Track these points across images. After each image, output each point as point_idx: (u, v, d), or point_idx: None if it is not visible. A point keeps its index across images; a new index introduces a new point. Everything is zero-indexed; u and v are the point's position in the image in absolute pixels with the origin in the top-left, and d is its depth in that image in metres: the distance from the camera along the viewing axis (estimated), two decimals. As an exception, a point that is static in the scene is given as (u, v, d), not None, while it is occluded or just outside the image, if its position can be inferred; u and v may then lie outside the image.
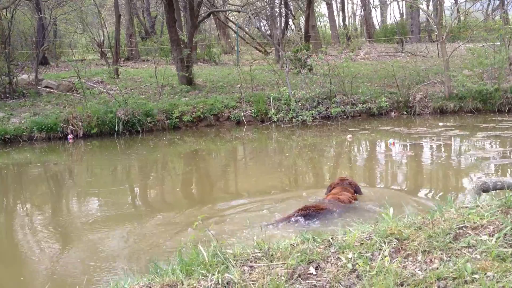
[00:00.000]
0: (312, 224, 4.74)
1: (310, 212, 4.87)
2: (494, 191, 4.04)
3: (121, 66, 19.32)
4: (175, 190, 7.13)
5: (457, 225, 2.95)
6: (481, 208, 3.19)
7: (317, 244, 3.00)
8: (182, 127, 12.49)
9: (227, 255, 2.92)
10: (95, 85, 14.95)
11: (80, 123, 11.77)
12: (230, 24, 29.89)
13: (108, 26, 27.87)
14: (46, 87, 14.82)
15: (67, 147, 11.13)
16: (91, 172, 9.18)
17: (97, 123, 11.80)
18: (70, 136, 11.50)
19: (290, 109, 12.47)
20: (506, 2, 26.76)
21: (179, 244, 3.66)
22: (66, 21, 23.44)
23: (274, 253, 2.93)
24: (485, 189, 3.87)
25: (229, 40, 28.63)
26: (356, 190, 5.72)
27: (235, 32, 25.46)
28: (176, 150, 10.67)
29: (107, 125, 11.81)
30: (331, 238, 3.07)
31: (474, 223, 2.95)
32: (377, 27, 37.42)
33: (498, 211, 3.08)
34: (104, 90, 14.19)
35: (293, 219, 4.86)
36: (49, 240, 5.15)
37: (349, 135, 10.55)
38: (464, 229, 2.92)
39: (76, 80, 13.64)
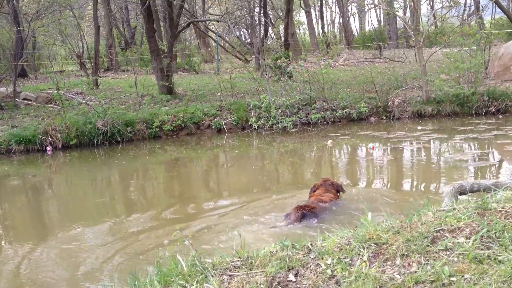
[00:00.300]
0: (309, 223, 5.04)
1: (305, 212, 5.13)
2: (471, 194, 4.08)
3: (101, 77, 19.21)
4: (155, 199, 7.08)
5: (434, 228, 2.96)
6: (458, 210, 3.21)
7: (297, 251, 3.00)
8: (162, 136, 12.42)
9: (206, 264, 2.89)
10: (74, 96, 14.80)
11: (59, 135, 11.63)
12: (210, 33, 29.93)
13: (87, 37, 27.67)
14: (24, 99, 14.63)
15: (46, 159, 10.98)
16: (70, 183, 9.07)
17: (76, 134, 11.66)
18: (48, 148, 11.35)
19: (270, 116, 12.49)
20: (481, 8, 27.26)
21: (158, 255, 3.62)
22: (45, 33, 23.23)
23: (253, 261, 2.91)
24: (462, 191, 3.91)
25: (209, 49, 28.64)
26: (339, 190, 5.94)
27: (215, 41, 25.48)
28: (157, 159, 10.61)
29: (87, 136, 11.69)
30: (310, 244, 3.07)
31: (451, 226, 2.97)
32: (356, 34, 37.80)
33: (474, 213, 3.11)
34: (84, 101, 14.06)
35: (288, 219, 5.15)
36: (26, 252, 5.05)
37: (330, 141, 10.60)
38: (442, 232, 2.94)
39: (55, 91, 13.50)
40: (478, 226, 2.90)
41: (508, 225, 2.86)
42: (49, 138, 11.53)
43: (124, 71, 23.17)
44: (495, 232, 2.80)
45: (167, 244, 4.51)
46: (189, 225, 5.49)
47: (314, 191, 5.90)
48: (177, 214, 6.15)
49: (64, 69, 24.32)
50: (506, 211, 3.07)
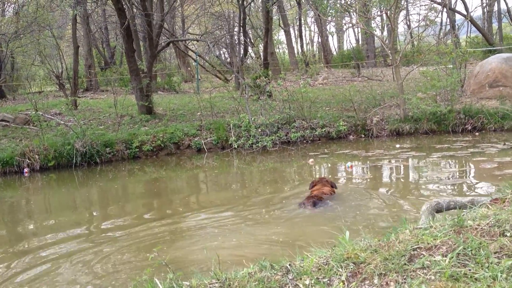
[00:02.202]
0: (318, 208, 6.46)
1: (316, 200, 6.57)
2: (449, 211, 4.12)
3: (80, 97, 19.09)
4: (132, 221, 6.97)
5: (411, 247, 2.98)
6: (435, 228, 3.24)
7: (275, 272, 2.98)
8: (142, 157, 12.34)
9: (183, 287, 2.86)
10: (52, 117, 14.66)
11: (36, 156, 11.48)
12: (190, 52, 30.03)
13: (66, 57, 27.54)
14: (2, 120, 14.42)
15: (23, 181, 10.81)
16: (47, 206, 8.92)
17: (54, 155, 11.53)
18: (26, 169, 11.19)
19: (250, 136, 12.51)
20: (456, 27, 27.86)
21: (134, 278, 3.57)
22: (24, 53, 23.04)
23: (231, 283, 2.88)
24: (438, 209, 3.95)
25: (189, 68, 28.71)
26: (333, 185, 7.23)
27: (195, 61, 25.57)
28: (136, 180, 10.53)
29: (65, 157, 11.57)
30: (289, 265, 3.05)
31: (428, 243, 2.99)
32: (334, 53, 38.31)
33: (451, 231, 3.13)
34: (62, 122, 13.93)
35: (303, 207, 6.56)
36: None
37: (311, 159, 10.65)
38: (419, 250, 2.96)
39: (33, 112, 13.36)
40: (455, 244, 2.92)
41: (484, 243, 2.90)
42: (27, 159, 11.37)
43: (103, 91, 23.08)
44: (471, 250, 2.82)
45: (147, 266, 4.46)
46: (167, 246, 5.45)
47: (313, 186, 7.15)
48: (154, 235, 6.08)
49: (42, 89, 24.12)
50: (481, 228, 3.10)
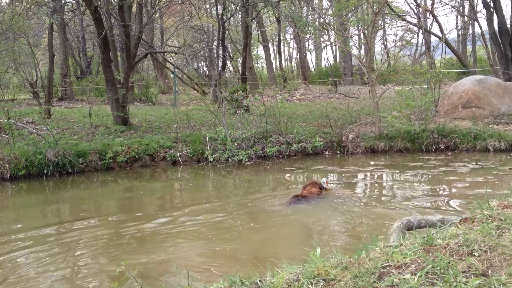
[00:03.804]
0: (301, 205, 7.47)
1: (299, 198, 7.68)
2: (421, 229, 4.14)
3: (54, 106, 18.85)
4: (101, 233, 6.85)
5: (381, 264, 2.98)
6: (405, 246, 3.25)
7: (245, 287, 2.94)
8: (115, 168, 12.18)
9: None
10: (25, 126, 14.41)
11: (7, 165, 11.23)
12: (168, 64, 29.97)
13: (42, 65, 27.21)
14: (-29, 127, 14.12)
15: (-8, 190, 10.55)
16: (15, 216, 8.71)
17: (25, 164, 11.29)
18: (-5, 178, 10.94)
19: (226, 149, 12.47)
20: (432, 48, 28.44)
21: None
22: (-3, 60, 22.67)
23: (199, 299, 2.84)
24: (409, 227, 3.97)
25: (166, 80, 28.65)
26: (321, 187, 8.29)
27: (173, 73, 25.51)
28: (108, 192, 10.36)
29: (36, 167, 11.33)
30: (259, 281, 3.02)
31: (398, 261, 2.99)
32: (312, 69, 38.69)
33: (420, 249, 3.14)
34: (34, 131, 13.69)
35: (291, 204, 7.57)
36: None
37: (287, 174, 10.66)
38: (388, 268, 2.95)
39: (5, 120, 13.10)
40: (424, 262, 2.93)
41: (453, 262, 2.91)
42: (-4, 168, 11.13)
43: (78, 100, 22.85)
44: (440, 269, 2.83)
45: (114, 281, 4.37)
46: (135, 257, 5.37)
47: (305, 187, 8.22)
48: (123, 248, 5.97)
49: (16, 97, 23.72)
50: (451, 247, 3.12)
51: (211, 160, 12.33)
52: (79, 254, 5.84)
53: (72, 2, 24.01)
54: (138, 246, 6.00)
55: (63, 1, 19.70)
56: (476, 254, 2.97)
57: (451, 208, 7.07)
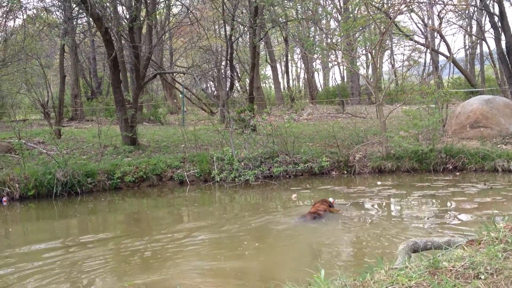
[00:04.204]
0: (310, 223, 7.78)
1: (315, 216, 8.03)
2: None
3: (64, 127, 19.02)
4: (108, 255, 6.87)
5: (386, 287, 2.98)
6: (410, 269, 3.24)
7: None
8: (123, 188, 12.24)
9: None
10: (35, 146, 14.54)
11: (17, 185, 11.34)
12: (177, 85, 30.23)
13: (53, 86, 27.55)
14: (-17, 148, 14.27)
15: (2, 209, 10.63)
16: (23, 236, 8.75)
17: (34, 184, 11.39)
18: (4, 198, 11.02)
19: (233, 169, 12.50)
20: (439, 68, 28.50)
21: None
22: (10, 81, 23.03)
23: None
24: (415, 249, 3.95)
25: (175, 100, 28.86)
26: (330, 205, 8.62)
27: (181, 93, 25.71)
28: (116, 212, 10.41)
29: (45, 187, 11.42)
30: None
31: (403, 284, 2.99)
32: (320, 89, 38.82)
33: (426, 272, 3.14)
34: (44, 151, 13.81)
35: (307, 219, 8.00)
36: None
37: (294, 194, 10.64)
38: (393, 290, 2.95)
39: (16, 140, 13.25)
40: (429, 286, 2.92)
41: (458, 285, 2.90)
42: (7, 188, 11.23)
43: (88, 120, 23.06)
44: (445, 292, 2.83)
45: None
46: (140, 280, 5.39)
47: (314, 205, 8.53)
48: (128, 269, 5.99)
49: (27, 118, 24.00)
50: (456, 270, 3.11)
51: (218, 180, 12.35)
52: (83, 272, 5.86)
53: (84, 23, 24.44)
54: (143, 265, 6.03)
55: (74, 23, 20.00)
56: (482, 277, 2.96)
57: (458, 230, 7.02)
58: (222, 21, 20.50)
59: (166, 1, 20.69)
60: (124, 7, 17.43)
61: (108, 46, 14.59)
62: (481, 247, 3.52)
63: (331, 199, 8.83)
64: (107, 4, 15.58)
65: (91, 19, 16.58)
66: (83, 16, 19.52)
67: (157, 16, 20.69)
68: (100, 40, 18.82)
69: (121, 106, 14.77)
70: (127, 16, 16.40)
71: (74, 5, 17.40)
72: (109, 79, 20.79)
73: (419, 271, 3.15)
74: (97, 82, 29.09)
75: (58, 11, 20.68)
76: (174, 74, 29.61)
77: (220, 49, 28.97)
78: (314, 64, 36.08)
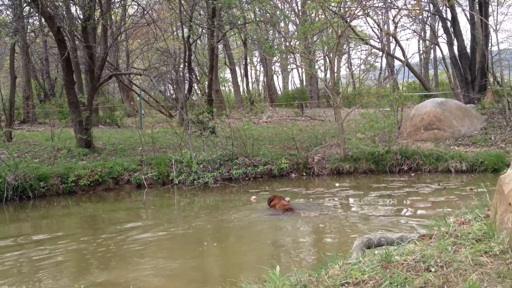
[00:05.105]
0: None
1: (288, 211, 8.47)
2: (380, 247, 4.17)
3: (15, 129, 18.42)
4: (59, 258, 6.66)
5: (340, 282, 2.98)
6: (363, 263, 3.26)
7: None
8: (78, 192, 11.91)
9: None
10: (-16, 149, 14.00)
11: (-36, 189, 10.88)
12: (134, 87, 29.79)
13: (4, 88, 26.65)
14: None
15: None
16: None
17: (-17, 188, 10.96)
18: (-50, 203, 10.56)
19: (192, 171, 12.37)
20: (395, 71, 29.15)
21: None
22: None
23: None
24: (369, 245, 3.99)
25: (132, 103, 28.42)
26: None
27: (139, 95, 25.35)
28: (70, 216, 10.10)
29: (-5, 191, 11.01)
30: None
31: (356, 278, 3.00)
32: (279, 92, 39.03)
33: (378, 266, 3.16)
34: (-6, 154, 13.31)
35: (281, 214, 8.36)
36: None
37: (253, 196, 10.61)
38: (347, 285, 2.96)
39: (-38, 144, 12.73)
40: (381, 279, 2.94)
41: (409, 277, 2.93)
42: (-48, 192, 10.76)
43: (41, 123, 22.37)
44: (397, 285, 2.85)
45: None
46: (91, 280, 5.26)
47: (271, 201, 8.97)
48: (80, 268, 5.83)
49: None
50: (408, 263, 3.15)
51: (177, 182, 12.21)
52: (34, 273, 5.65)
53: (35, 23, 23.74)
54: (98, 266, 5.89)
55: (25, 22, 19.41)
56: (433, 269, 3.00)
57: (412, 227, 7.15)
58: (180, 23, 20.29)
59: (122, 1, 20.36)
60: (77, 7, 17.01)
61: (60, 46, 14.21)
62: (432, 242, 3.58)
63: (287, 198, 8.91)
64: (59, 3, 15.18)
65: (42, 18, 16.11)
66: (34, 14, 18.92)
67: (113, 16, 20.33)
68: (53, 40, 18.29)
69: (75, 108, 14.41)
70: (81, 16, 16.01)
71: (25, 4, 16.84)
72: (63, 80, 20.28)
73: (372, 265, 3.17)
74: (50, 83, 28.27)
75: (7, 10, 20.06)
76: (131, 76, 29.16)
77: (178, 51, 28.73)
78: (273, 67, 36.30)
